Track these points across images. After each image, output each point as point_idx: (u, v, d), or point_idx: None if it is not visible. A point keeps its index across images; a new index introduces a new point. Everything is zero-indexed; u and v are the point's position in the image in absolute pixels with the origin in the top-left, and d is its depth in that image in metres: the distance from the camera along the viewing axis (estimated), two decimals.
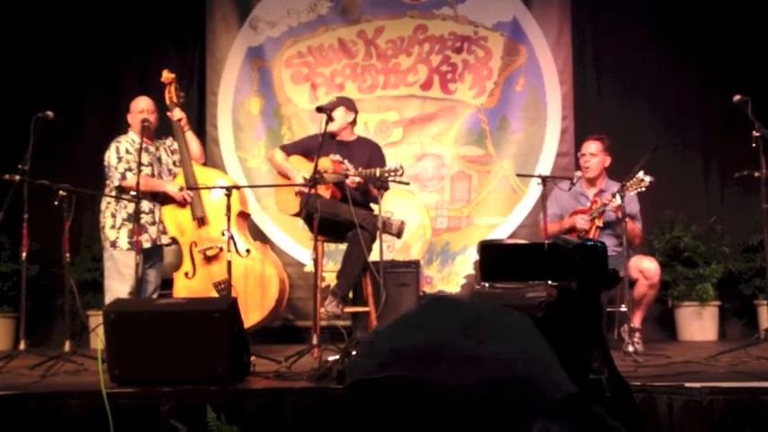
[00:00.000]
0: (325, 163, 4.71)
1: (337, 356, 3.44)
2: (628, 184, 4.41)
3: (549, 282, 1.38)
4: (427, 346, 0.83)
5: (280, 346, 5.02)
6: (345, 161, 4.84)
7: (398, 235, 4.79)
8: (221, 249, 4.83)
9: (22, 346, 4.28)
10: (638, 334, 4.47)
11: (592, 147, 4.97)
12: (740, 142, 4.46)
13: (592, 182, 4.98)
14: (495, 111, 6.27)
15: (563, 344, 1.39)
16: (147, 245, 4.74)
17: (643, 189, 4.42)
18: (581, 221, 4.77)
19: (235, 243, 4.52)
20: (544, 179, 4.63)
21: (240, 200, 5.02)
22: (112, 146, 4.88)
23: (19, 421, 3.12)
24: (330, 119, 4.58)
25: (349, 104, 5.04)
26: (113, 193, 4.81)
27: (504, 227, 6.17)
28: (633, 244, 4.70)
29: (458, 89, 6.31)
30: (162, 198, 4.91)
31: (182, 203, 4.92)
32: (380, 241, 4.46)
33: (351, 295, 4.99)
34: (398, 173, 4.49)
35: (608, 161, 4.97)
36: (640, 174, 4.40)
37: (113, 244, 4.79)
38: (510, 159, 6.22)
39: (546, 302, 1.32)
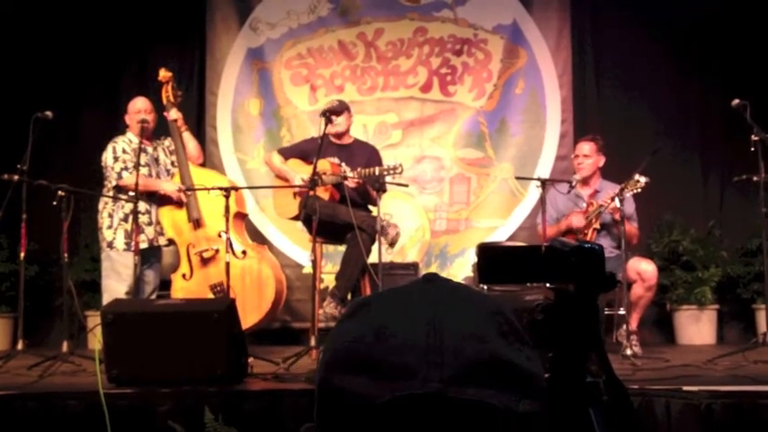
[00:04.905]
0: (324, 165, 4.71)
1: None
2: (624, 186, 4.43)
3: (547, 284, 1.37)
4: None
5: (278, 347, 5.01)
6: (343, 164, 4.83)
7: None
8: (217, 251, 4.82)
9: (19, 346, 4.27)
10: (635, 336, 4.48)
11: (585, 148, 4.98)
12: (739, 146, 4.47)
13: (586, 181, 4.99)
14: (495, 113, 6.26)
15: (560, 347, 1.39)
16: (143, 245, 4.74)
17: (639, 190, 4.44)
18: (576, 220, 4.78)
19: (231, 244, 4.51)
20: (543, 182, 4.64)
21: (237, 200, 4.99)
22: (109, 146, 4.88)
23: (16, 421, 3.11)
24: (330, 121, 4.59)
25: (349, 107, 5.06)
26: (111, 194, 4.81)
27: (502, 229, 6.17)
28: (630, 243, 4.71)
29: (457, 91, 6.30)
30: (159, 198, 4.91)
31: (178, 204, 4.92)
32: (379, 243, 4.45)
33: (349, 297, 4.99)
34: (398, 170, 4.48)
35: (602, 161, 4.98)
36: (636, 175, 4.42)
37: (110, 244, 4.78)
38: (509, 162, 6.21)
39: (543, 305, 1.32)
